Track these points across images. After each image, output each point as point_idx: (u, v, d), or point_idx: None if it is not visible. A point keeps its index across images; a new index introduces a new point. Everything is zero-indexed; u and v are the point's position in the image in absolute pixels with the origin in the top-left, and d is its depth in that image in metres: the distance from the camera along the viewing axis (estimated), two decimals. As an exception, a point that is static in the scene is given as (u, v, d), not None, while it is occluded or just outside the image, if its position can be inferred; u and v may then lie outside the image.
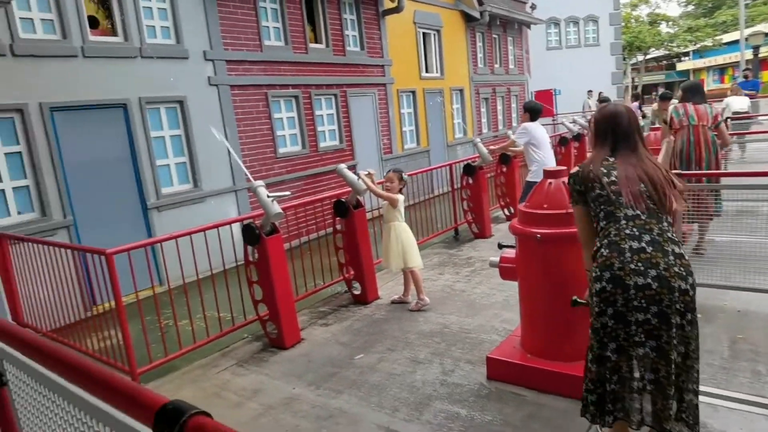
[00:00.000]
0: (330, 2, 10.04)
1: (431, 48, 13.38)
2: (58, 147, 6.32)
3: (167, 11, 7.45)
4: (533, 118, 6.17)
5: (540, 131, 6.13)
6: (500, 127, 16.45)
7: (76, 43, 6.46)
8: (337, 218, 4.99)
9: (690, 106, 5.12)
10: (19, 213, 6.11)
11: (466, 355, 3.76)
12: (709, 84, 38.99)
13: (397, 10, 11.08)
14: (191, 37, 7.65)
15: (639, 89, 36.16)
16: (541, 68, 22.01)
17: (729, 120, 10.39)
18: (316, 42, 9.98)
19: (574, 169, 2.43)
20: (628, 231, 2.18)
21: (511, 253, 3.45)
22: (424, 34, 13.03)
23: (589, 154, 2.51)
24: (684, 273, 2.14)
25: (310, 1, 9.81)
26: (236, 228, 4.93)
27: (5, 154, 6.00)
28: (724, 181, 5.40)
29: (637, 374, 2.17)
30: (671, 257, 2.14)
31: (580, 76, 22.61)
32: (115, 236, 5.66)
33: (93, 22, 6.84)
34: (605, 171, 2.29)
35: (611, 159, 2.33)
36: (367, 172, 4.86)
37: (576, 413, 2.87)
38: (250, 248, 4.16)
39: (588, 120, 2.97)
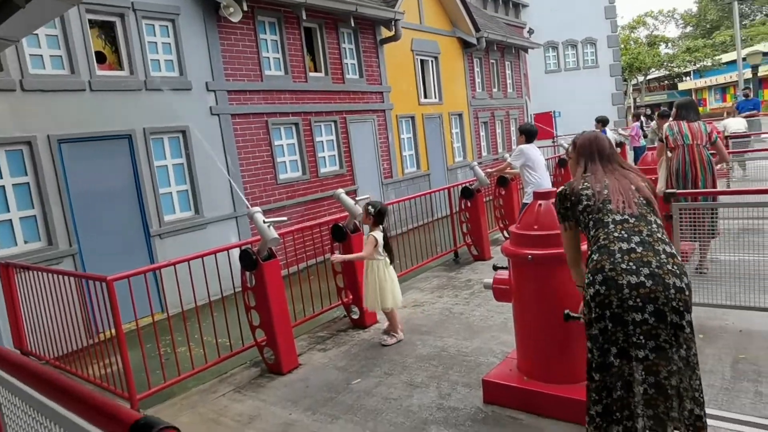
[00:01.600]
0: (329, 33, 10.30)
1: (429, 74, 13.62)
2: (65, 177, 6.46)
3: (171, 45, 7.69)
4: (529, 140, 6.27)
5: (535, 153, 6.22)
6: (500, 150, 16.59)
7: (84, 78, 6.67)
8: (335, 243, 5.05)
9: (684, 124, 5.17)
10: (25, 242, 6.22)
11: (463, 379, 3.76)
12: (711, 103, 39.29)
13: (394, 38, 11.33)
14: (194, 69, 7.87)
15: (641, 109, 36.50)
16: (540, 91, 22.30)
17: (728, 139, 10.48)
18: (316, 71, 10.21)
19: (560, 189, 2.55)
20: (616, 234, 2.24)
21: (504, 274, 3.49)
22: (422, 60, 13.29)
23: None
24: (678, 271, 2.15)
25: (309, 32, 10.08)
26: (235, 254, 5.00)
27: (13, 185, 6.14)
28: (723, 199, 5.42)
29: (639, 377, 2.14)
30: (663, 256, 2.17)
31: (580, 98, 22.84)
32: (119, 264, 5.71)
33: (100, 57, 7.07)
34: (590, 184, 2.43)
35: (597, 174, 2.46)
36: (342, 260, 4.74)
37: (572, 436, 2.87)
38: (247, 274, 4.22)
39: (568, 146, 3.06)
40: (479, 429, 3.10)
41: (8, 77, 6.04)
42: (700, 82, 40.37)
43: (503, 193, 7.97)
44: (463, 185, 7.30)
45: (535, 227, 3.20)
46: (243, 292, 4.32)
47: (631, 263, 2.15)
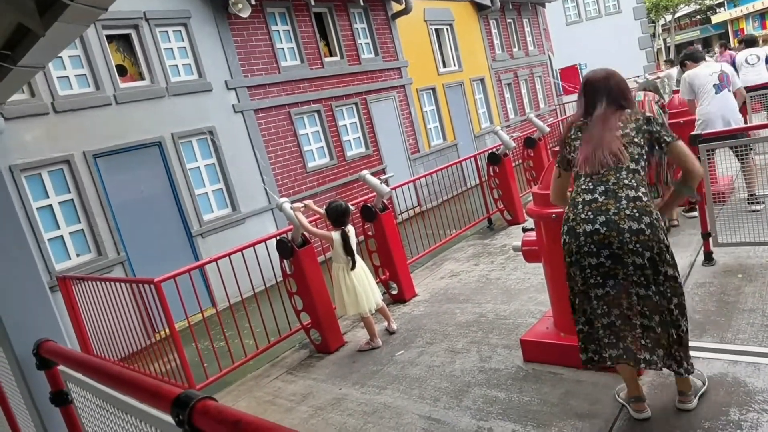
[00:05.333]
0: (339, 15, 10.28)
1: (446, 42, 13.41)
2: (105, 190, 6.79)
3: (186, 49, 7.86)
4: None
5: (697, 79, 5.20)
6: (527, 110, 16.25)
7: (109, 92, 6.93)
8: (366, 223, 5.16)
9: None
10: (78, 255, 6.61)
11: (503, 341, 3.84)
12: (749, 32, 37.09)
13: (405, 11, 11.18)
14: (212, 70, 8.04)
15: (672, 49, 34.78)
16: (563, 44, 21.56)
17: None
18: (331, 55, 10.23)
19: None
20: (584, 186, 2.38)
21: (532, 235, 3.53)
22: (437, 30, 13.09)
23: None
24: (637, 214, 2.24)
25: (320, 17, 10.08)
26: (273, 244, 5.18)
27: (59, 202, 6.51)
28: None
29: (603, 311, 2.36)
30: (624, 201, 2.27)
31: (606, 46, 22.00)
32: (167, 266, 5.97)
33: (121, 70, 7.32)
34: (574, 136, 2.48)
35: (591, 124, 2.42)
36: (303, 205, 4.29)
37: (614, 387, 2.92)
38: (285, 261, 4.39)
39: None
40: (521, 386, 3.19)
41: (41, 102, 6.35)
42: (736, 12, 38.04)
43: (532, 154, 7.88)
44: (489, 151, 7.26)
45: (557, 185, 3.20)
46: (284, 279, 4.50)
47: (589, 212, 2.30)
